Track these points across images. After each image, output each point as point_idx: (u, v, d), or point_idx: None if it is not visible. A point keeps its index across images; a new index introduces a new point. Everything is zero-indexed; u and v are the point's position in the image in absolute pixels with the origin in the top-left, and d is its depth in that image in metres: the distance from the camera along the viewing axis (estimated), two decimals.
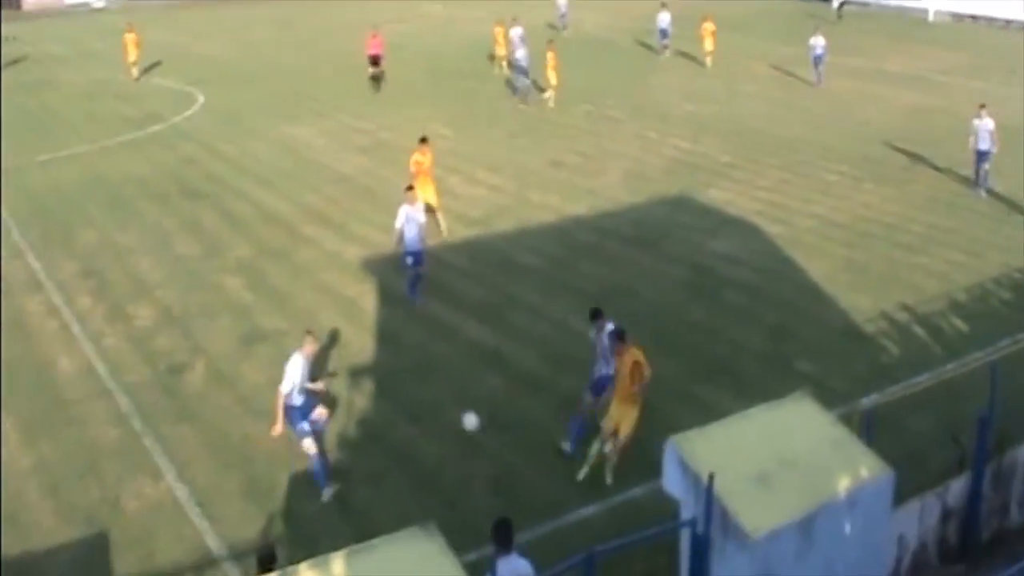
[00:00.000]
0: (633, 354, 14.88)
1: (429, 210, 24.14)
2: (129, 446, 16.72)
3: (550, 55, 38.83)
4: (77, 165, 33.47)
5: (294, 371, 15.00)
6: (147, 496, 15.40)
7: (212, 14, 72.24)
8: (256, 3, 76.77)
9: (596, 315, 16.05)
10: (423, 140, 25.86)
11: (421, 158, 25.24)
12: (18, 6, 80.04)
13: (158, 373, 19.10)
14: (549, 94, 39.08)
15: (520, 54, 39.58)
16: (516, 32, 43.18)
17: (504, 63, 44.22)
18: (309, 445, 15.15)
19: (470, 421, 15.34)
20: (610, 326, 15.71)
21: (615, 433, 15.12)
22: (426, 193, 24.48)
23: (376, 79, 42.27)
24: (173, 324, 21.19)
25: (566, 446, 16.06)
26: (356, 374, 18.83)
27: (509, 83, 41.86)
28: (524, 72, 39.43)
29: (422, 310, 21.43)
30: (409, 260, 21.46)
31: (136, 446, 16.72)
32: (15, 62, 54.04)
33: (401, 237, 21.25)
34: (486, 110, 39.01)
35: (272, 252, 25.07)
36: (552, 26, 54.32)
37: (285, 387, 14.91)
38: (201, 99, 42.74)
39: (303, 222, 27.15)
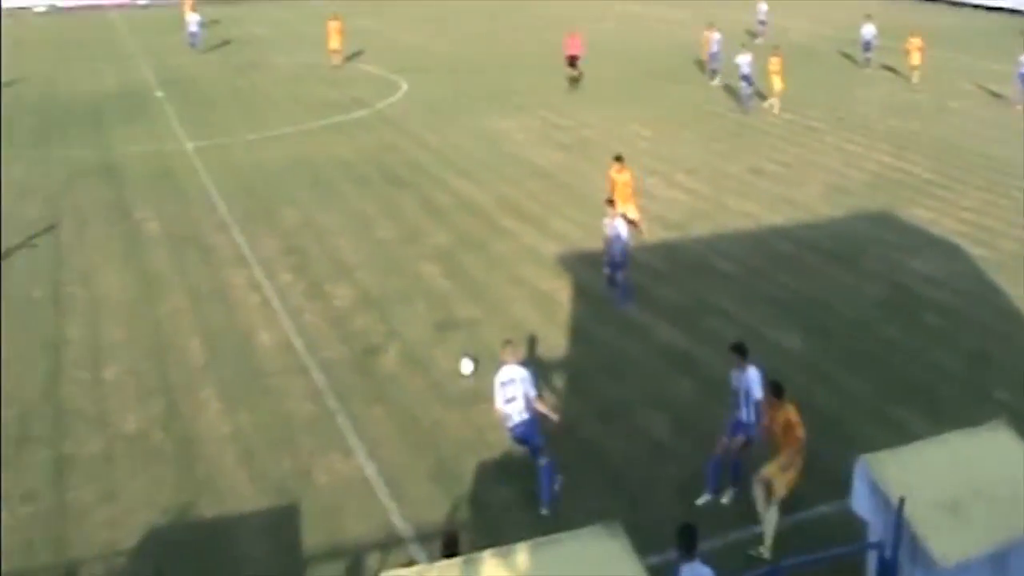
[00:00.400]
0: (787, 412, 13.77)
1: (630, 222, 23.83)
2: (322, 422, 17.27)
3: (775, 60, 38.20)
4: (282, 146, 34.71)
5: (495, 391, 14.69)
6: (337, 471, 15.88)
7: (419, 4, 73.70)
8: None
9: (740, 351, 14.63)
10: (618, 159, 25.02)
11: (616, 176, 24.80)
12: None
13: (354, 353, 19.67)
14: (772, 101, 38.45)
15: (743, 60, 38.79)
16: (714, 37, 42.95)
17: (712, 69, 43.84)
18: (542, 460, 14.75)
19: (466, 366, 17.28)
20: (753, 369, 14.48)
21: (768, 488, 14.02)
22: (626, 208, 24.26)
23: (574, 80, 42.39)
24: (370, 306, 21.79)
25: (702, 499, 14.92)
26: (548, 368, 18.98)
27: (727, 88, 41.59)
28: (747, 79, 38.83)
29: (616, 309, 21.49)
30: (609, 270, 21.83)
31: (329, 422, 17.25)
32: (221, 45, 56.25)
33: (608, 246, 21.59)
34: (686, 112, 38.82)
35: (470, 242, 25.51)
36: (751, 32, 53.57)
37: (497, 403, 14.65)
38: (405, 87, 43.75)
39: (501, 214, 27.53)
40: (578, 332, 20.54)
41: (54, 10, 78.22)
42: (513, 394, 14.55)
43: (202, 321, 21.22)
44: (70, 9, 78.23)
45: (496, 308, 21.54)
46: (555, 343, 20.09)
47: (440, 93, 42.55)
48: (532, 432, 14.68)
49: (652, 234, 25.73)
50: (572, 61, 42.54)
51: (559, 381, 18.60)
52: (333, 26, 48.41)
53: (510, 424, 14.66)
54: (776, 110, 38.05)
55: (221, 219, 27.48)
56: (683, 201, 28.61)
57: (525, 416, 14.57)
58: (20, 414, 17.83)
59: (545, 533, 10.27)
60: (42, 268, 24.60)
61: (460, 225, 26.81)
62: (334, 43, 48.33)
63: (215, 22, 63.56)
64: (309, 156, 33.18)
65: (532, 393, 14.62)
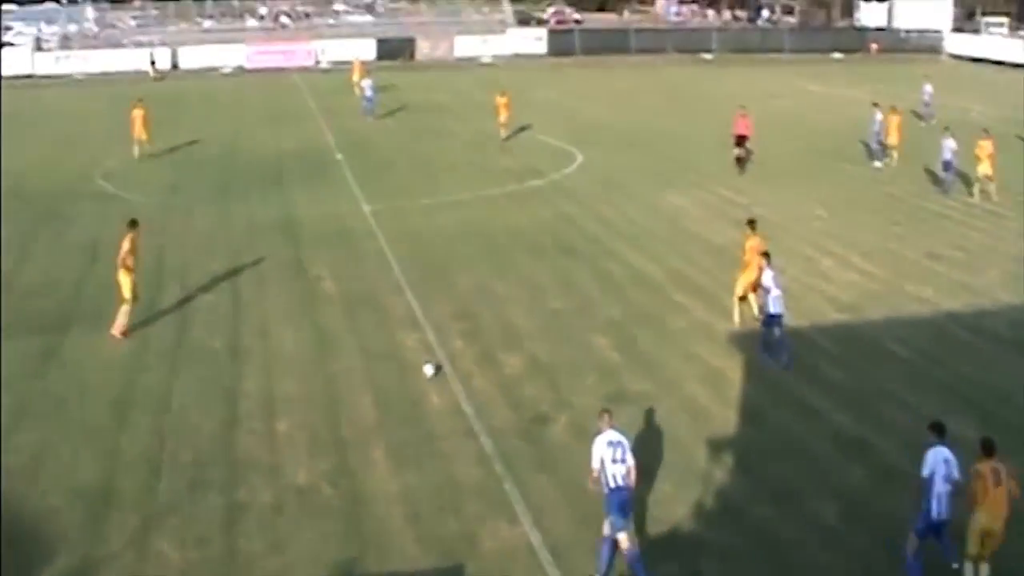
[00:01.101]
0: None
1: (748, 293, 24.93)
2: (490, 487, 17.59)
3: (984, 143, 37.24)
4: (458, 211, 35.56)
5: (597, 451, 15.11)
6: (503, 537, 16.15)
7: (598, 77, 74.83)
8: (643, 69, 79.12)
9: (939, 430, 14.56)
10: (751, 223, 25.58)
11: (749, 243, 25.00)
12: (411, 57, 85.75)
13: (522, 420, 20.01)
14: (979, 189, 37.31)
15: (947, 144, 37.84)
16: (878, 117, 42.60)
17: (892, 151, 43.08)
18: (623, 540, 14.91)
19: (428, 370, 20.79)
20: (946, 451, 14.23)
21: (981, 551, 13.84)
22: (745, 275, 24.87)
23: (740, 160, 42.10)
24: (540, 375, 22.14)
25: None
26: (717, 447, 19.00)
27: (896, 170, 41.11)
28: (947, 165, 38.09)
29: (787, 390, 21.41)
30: (768, 323, 22.95)
31: (496, 488, 17.57)
32: (399, 109, 57.93)
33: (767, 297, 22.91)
34: (863, 193, 38.41)
35: (642, 315, 25.73)
36: (916, 113, 52.57)
37: (596, 463, 15.05)
38: (580, 158, 44.41)
39: (674, 289, 27.70)
40: (749, 412, 20.50)
41: (240, 71, 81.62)
42: (623, 456, 15.02)
43: (374, 380, 21.86)
44: (255, 71, 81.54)
45: (667, 383, 21.66)
46: (726, 421, 20.09)
47: (616, 166, 43.07)
48: (631, 497, 15.17)
49: (825, 315, 25.62)
50: (740, 141, 42.47)
51: (729, 460, 18.59)
52: (501, 101, 48.91)
53: (614, 485, 14.93)
54: (983, 197, 36.97)
55: (396, 281, 28.28)
56: (858, 283, 28.34)
57: (627, 482, 15.04)
58: (196, 459, 18.63)
59: None
60: (222, 319, 25.69)
61: (633, 298, 27.05)
62: (502, 116, 48.80)
63: (392, 86, 65.55)
64: (484, 223, 33.94)
65: (632, 461, 15.11)
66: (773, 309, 22.73)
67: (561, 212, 35.59)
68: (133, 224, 25.43)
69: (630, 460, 15.11)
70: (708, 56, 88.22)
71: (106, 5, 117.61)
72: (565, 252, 30.99)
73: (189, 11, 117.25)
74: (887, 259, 30.42)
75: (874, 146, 43.05)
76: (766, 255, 23.43)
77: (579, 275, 28.87)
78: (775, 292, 22.70)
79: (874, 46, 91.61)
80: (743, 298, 25.23)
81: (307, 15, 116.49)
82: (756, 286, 24.38)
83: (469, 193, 38.05)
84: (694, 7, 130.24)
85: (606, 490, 15.02)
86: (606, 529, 15.04)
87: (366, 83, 57.27)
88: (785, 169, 42.08)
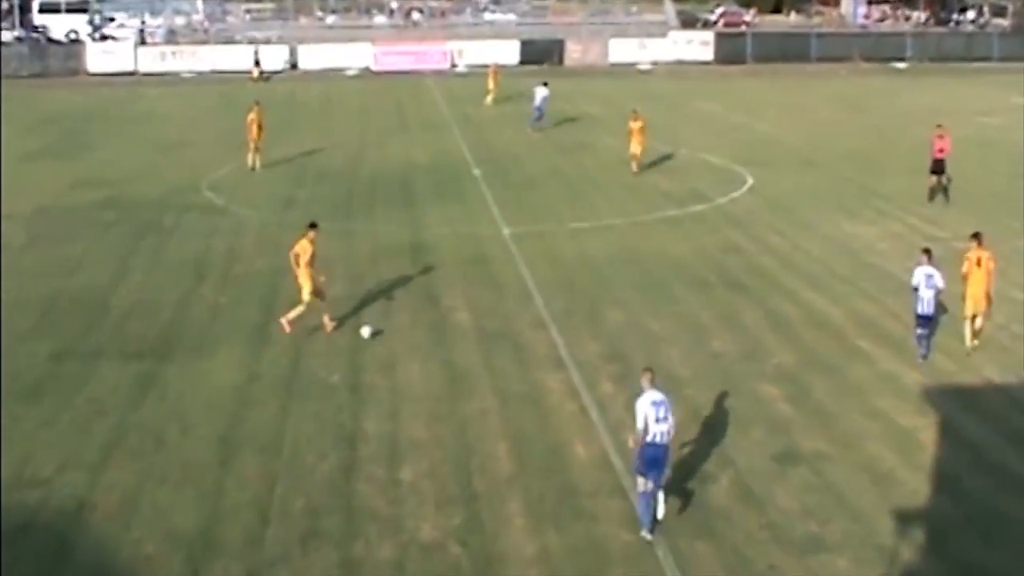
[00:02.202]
0: None
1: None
2: (640, 553, 17.58)
3: None
4: (609, 237, 35.69)
5: (641, 410, 17.79)
6: None
7: (772, 87, 74.63)
8: (824, 79, 78.66)
9: (929, 253, 15.34)
10: (975, 236, 26.72)
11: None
12: (559, 61, 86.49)
13: (679, 478, 19.93)
14: None
15: None
16: None
17: None
18: (641, 484, 17.83)
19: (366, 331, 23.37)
20: (930, 268, 15.20)
21: None
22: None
23: (937, 188, 41.19)
24: (700, 427, 22.07)
25: None
26: (903, 519, 18.72)
27: None
28: None
29: (989, 455, 21.03)
30: (920, 324, 25.56)
31: (648, 555, 17.56)
32: (553, 118, 58.30)
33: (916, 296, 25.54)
34: None
35: (818, 363, 25.52)
36: None
37: (640, 423, 17.73)
38: (750, 181, 44.26)
39: (857, 334, 27.41)
40: (944, 480, 20.16)
41: (367, 73, 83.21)
42: (665, 415, 17.80)
43: (511, 426, 22.07)
44: (383, 73, 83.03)
45: (846, 442, 21.43)
46: (915, 489, 19.79)
47: (790, 190, 42.82)
48: (669, 455, 18.15)
49: None
50: (938, 166, 41.74)
51: (917, 535, 18.30)
52: (635, 127, 45.43)
53: (656, 441, 17.66)
54: None
55: (538, 315, 28.52)
56: None
57: (668, 439, 17.87)
58: (308, 507, 19.01)
59: None
60: (342, 352, 26.18)
61: (808, 343, 26.86)
62: (635, 145, 45.39)
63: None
64: (639, 251, 34.03)
65: (673, 420, 18.00)
66: (920, 309, 25.46)
67: (727, 241, 35.52)
68: (313, 226, 27.74)
69: (671, 419, 17.90)
70: (901, 65, 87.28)
71: None
72: (731, 287, 30.90)
73: (310, 5, 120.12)
74: None
75: None
76: (927, 251, 26.00)
77: (746, 314, 28.76)
78: (924, 293, 25.34)
79: None
80: (974, 318, 26.20)
81: (442, 12, 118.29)
82: (988, 299, 26.07)
83: (622, 217, 38.17)
84: (886, 8, 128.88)
85: (642, 446, 17.74)
86: (640, 486, 17.88)
87: (539, 90, 57.13)
88: (992, 198, 41.31)
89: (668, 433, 17.69)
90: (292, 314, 26.91)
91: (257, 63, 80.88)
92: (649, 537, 17.75)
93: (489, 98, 66.73)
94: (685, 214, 39.12)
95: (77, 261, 33.65)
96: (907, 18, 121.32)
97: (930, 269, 25.58)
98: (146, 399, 23.59)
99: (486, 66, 71.81)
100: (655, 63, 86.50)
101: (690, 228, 37.14)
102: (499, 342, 26.64)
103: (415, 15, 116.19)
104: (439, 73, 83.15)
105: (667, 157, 48.62)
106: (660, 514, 18.03)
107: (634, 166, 45.60)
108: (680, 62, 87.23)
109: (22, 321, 28.11)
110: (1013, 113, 61.89)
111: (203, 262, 33.14)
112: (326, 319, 27.45)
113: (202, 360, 25.57)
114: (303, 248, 27.02)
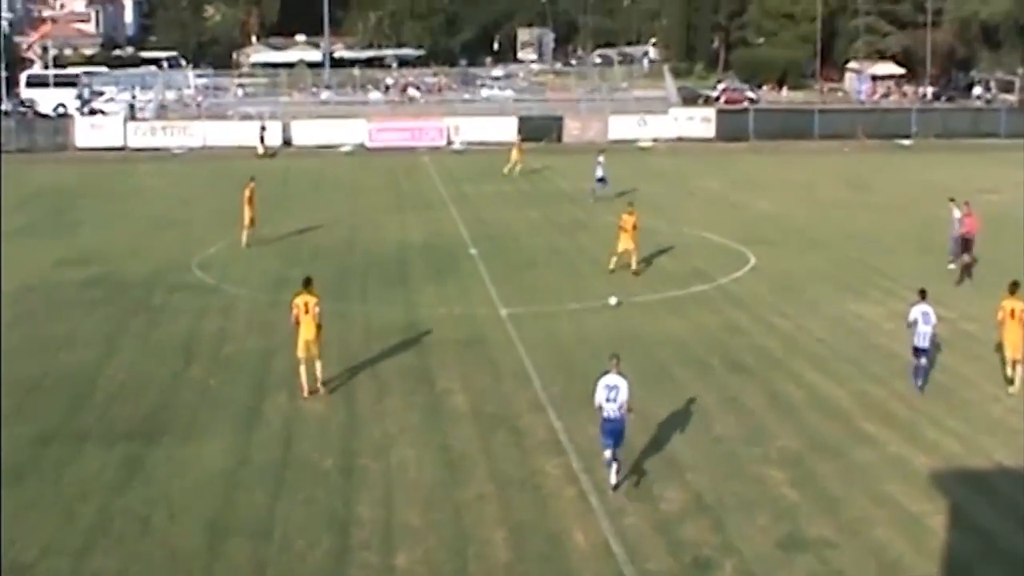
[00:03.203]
0: None
1: None
2: None
3: None
4: (609, 319, 35.80)
5: (599, 392, 22.82)
6: None
7: (774, 164, 75.11)
8: (828, 156, 79.21)
9: (923, 294, 15.57)
10: (922, 292, 29.56)
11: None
12: (558, 138, 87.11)
13: (682, 566, 19.96)
14: None
15: None
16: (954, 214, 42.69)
17: None
18: (607, 453, 22.73)
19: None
20: (925, 305, 15.53)
21: None
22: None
23: (967, 267, 41.38)
24: (703, 513, 22.09)
25: None
26: None
27: None
28: None
29: (1002, 541, 21.03)
30: (918, 356, 28.91)
31: None
32: (540, 198, 58.69)
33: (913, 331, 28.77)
34: None
35: (824, 447, 25.55)
36: None
37: (598, 399, 22.83)
38: (753, 260, 44.45)
39: (863, 417, 27.46)
40: (954, 568, 20.16)
41: (361, 150, 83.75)
42: (614, 396, 22.56)
43: (509, 512, 22.07)
44: (378, 149, 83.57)
45: (853, 529, 21.41)
46: None
47: (794, 269, 43.00)
48: (623, 427, 22.88)
49: None
50: (967, 245, 41.94)
51: None
52: (628, 221, 42.24)
53: (607, 415, 22.62)
54: None
55: (536, 398, 28.58)
56: None
57: (619, 414, 22.63)
58: None
59: None
60: (334, 435, 26.22)
61: (813, 426, 26.90)
62: (626, 243, 42.07)
63: (535, 172, 66.79)
64: (639, 333, 34.09)
65: (625, 398, 22.58)
66: (917, 343, 28.86)
67: (729, 322, 35.64)
68: (308, 283, 29.57)
69: (621, 398, 22.53)
70: (906, 142, 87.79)
71: (210, 70, 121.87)
72: (734, 369, 30.98)
73: (304, 80, 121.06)
74: None
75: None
76: (922, 292, 29.30)
77: (750, 397, 28.82)
78: (922, 328, 28.58)
79: None
80: (1015, 364, 28.80)
81: (439, 88, 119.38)
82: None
83: (623, 298, 38.26)
84: (890, 84, 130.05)
85: (600, 421, 22.84)
86: (606, 454, 22.83)
87: (600, 160, 59.73)
88: (1000, 276, 41.31)
89: (619, 410, 22.54)
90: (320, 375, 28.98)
91: (262, 139, 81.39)
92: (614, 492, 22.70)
93: (516, 168, 68.55)
94: (687, 294, 39.26)
95: (63, 340, 33.71)
96: (916, 94, 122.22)
97: (926, 307, 28.85)
98: (132, 483, 23.59)
99: (485, 143, 72.54)
100: (656, 140, 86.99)
101: (692, 309, 37.26)
102: (496, 426, 26.69)
103: (411, 91, 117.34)
104: (435, 150, 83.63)
105: (668, 236, 48.83)
106: (613, 480, 22.87)
107: (613, 263, 42.24)
108: (681, 139, 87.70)
109: (6, 401, 28.11)
110: (1019, 189, 62.25)
111: (192, 342, 33.23)
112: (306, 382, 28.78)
113: (190, 443, 25.60)
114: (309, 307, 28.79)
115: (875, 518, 22.04)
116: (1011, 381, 28.86)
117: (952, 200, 43.81)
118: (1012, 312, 28.61)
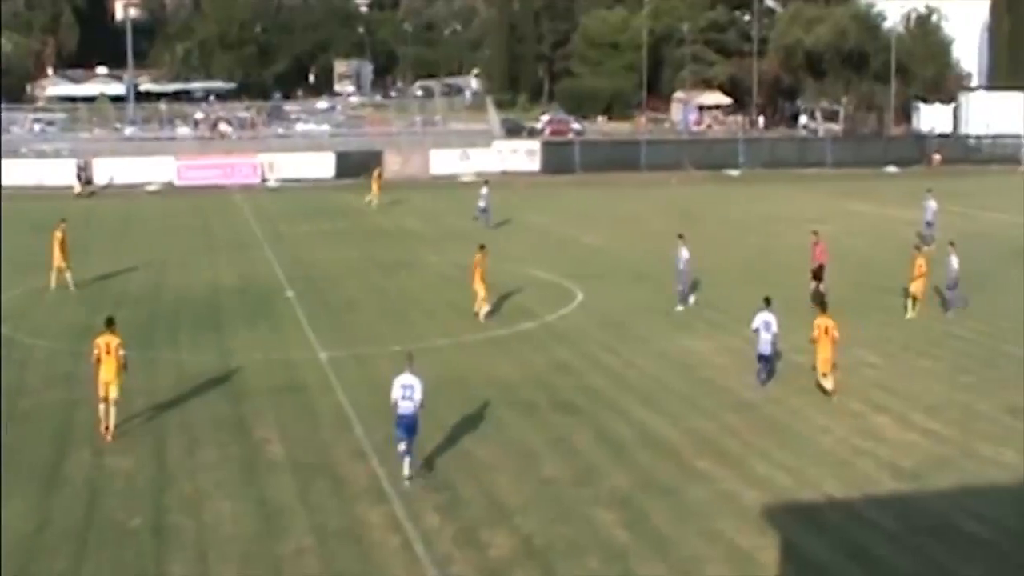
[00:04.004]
0: None
1: None
2: None
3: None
4: (433, 361, 35.53)
5: (395, 390, 25.97)
6: None
7: (601, 197, 76.33)
8: (655, 188, 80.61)
9: (768, 301, 16.18)
10: (766, 300, 32.61)
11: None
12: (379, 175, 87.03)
13: None
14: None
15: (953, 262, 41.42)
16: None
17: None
18: (401, 446, 25.64)
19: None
20: (768, 314, 16.22)
21: None
22: None
23: (819, 296, 42.14)
24: (532, 558, 22.23)
25: None
26: None
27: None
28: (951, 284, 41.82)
29: (831, 574, 21.60)
30: (761, 362, 32.55)
31: None
32: (364, 236, 58.65)
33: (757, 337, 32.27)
34: (924, 335, 38.97)
35: (654, 486, 25.91)
36: (919, 235, 53.44)
37: (394, 395, 25.82)
38: (580, 296, 44.97)
39: (694, 454, 27.92)
40: None
41: (169, 188, 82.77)
42: (410, 394, 25.64)
43: (330, 565, 21.97)
44: (187, 188, 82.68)
45: (684, 568, 21.77)
46: None
47: (622, 304, 43.57)
48: (416, 422, 25.73)
49: (880, 484, 25.90)
50: (818, 273, 43.04)
51: None
52: (478, 260, 41.56)
53: (402, 412, 25.52)
54: None
55: (357, 444, 28.49)
56: (921, 446, 28.59)
57: (412, 411, 25.52)
58: None
59: None
60: (143, 491, 25.76)
61: (643, 465, 27.25)
62: (478, 284, 41.29)
63: (355, 210, 66.86)
64: (463, 374, 34.23)
65: (420, 397, 25.69)
66: (761, 350, 32.37)
67: (557, 361, 35.96)
68: (110, 322, 29.70)
69: (417, 397, 25.63)
70: (734, 172, 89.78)
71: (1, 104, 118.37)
72: (561, 409, 31.26)
73: (107, 114, 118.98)
74: (956, 415, 30.74)
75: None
76: (767, 300, 32.50)
77: (578, 437, 29.10)
78: (764, 335, 32.11)
79: (936, 157, 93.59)
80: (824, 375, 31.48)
81: (252, 123, 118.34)
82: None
83: (446, 339, 38.42)
84: (717, 114, 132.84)
85: (396, 417, 25.64)
86: (400, 447, 25.65)
87: (483, 192, 62.52)
88: (832, 306, 42.29)
89: (413, 407, 25.51)
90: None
91: (79, 176, 79.91)
92: (408, 483, 25.32)
93: (373, 200, 71.05)
94: (512, 333, 39.53)
95: None
96: (743, 123, 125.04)
97: (768, 315, 32.16)
98: None
99: (299, 180, 72.40)
100: (479, 174, 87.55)
101: (517, 348, 37.54)
102: (316, 475, 26.52)
103: (222, 126, 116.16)
104: (248, 188, 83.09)
105: (493, 273, 49.00)
106: (407, 472, 25.55)
107: (482, 307, 41.66)
108: (505, 172, 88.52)
109: None
110: (846, 219, 64.06)
111: None
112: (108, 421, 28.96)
113: None
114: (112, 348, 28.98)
115: (707, 556, 22.43)
116: (828, 392, 31.74)
117: (814, 233, 44.81)
118: (825, 329, 31.65)
